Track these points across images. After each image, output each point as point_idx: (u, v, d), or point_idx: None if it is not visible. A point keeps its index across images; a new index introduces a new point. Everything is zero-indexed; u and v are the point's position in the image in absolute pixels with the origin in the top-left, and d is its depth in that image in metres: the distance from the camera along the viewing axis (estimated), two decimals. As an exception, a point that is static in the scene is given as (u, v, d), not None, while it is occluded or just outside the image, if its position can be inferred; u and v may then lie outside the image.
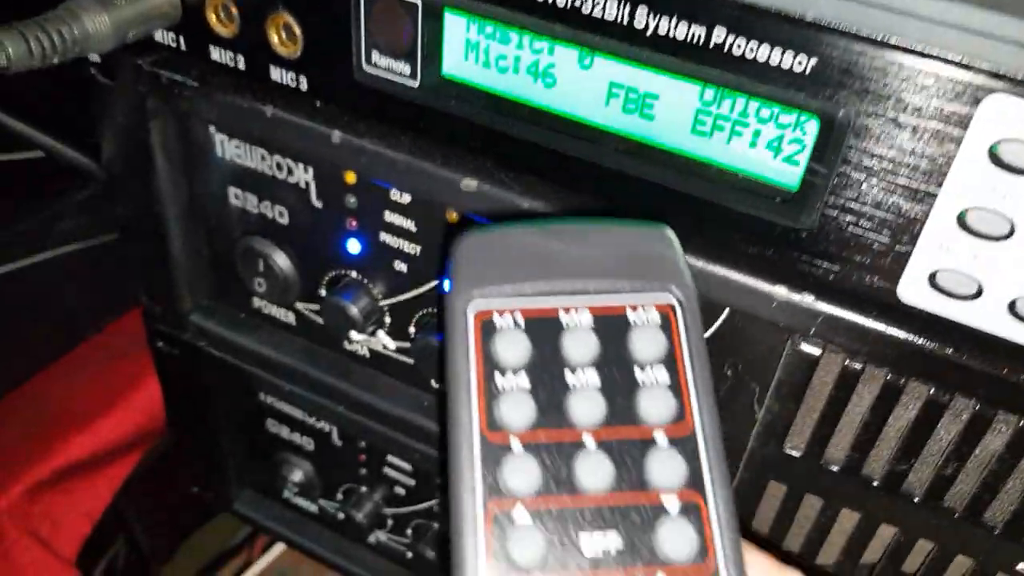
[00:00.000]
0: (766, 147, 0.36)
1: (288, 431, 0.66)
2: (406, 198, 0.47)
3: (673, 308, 0.32)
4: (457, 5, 0.39)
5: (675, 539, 0.29)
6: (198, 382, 0.64)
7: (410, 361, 0.54)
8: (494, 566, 0.28)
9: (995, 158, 0.32)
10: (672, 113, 0.37)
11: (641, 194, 0.39)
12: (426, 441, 0.56)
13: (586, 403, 0.31)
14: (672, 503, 0.29)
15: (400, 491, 0.64)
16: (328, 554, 0.71)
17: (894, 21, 0.31)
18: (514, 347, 0.31)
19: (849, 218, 0.35)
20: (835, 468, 0.42)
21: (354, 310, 0.51)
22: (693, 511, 0.29)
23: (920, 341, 0.37)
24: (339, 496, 0.67)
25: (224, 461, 0.70)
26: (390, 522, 0.66)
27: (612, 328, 0.32)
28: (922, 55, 0.31)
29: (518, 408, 0.30)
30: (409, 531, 0.66)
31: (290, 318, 0.57)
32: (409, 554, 0.67)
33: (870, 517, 0.43)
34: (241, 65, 0.45)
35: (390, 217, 0.48)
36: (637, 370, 0.31)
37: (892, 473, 0.41)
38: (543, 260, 0.33)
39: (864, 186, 0.34)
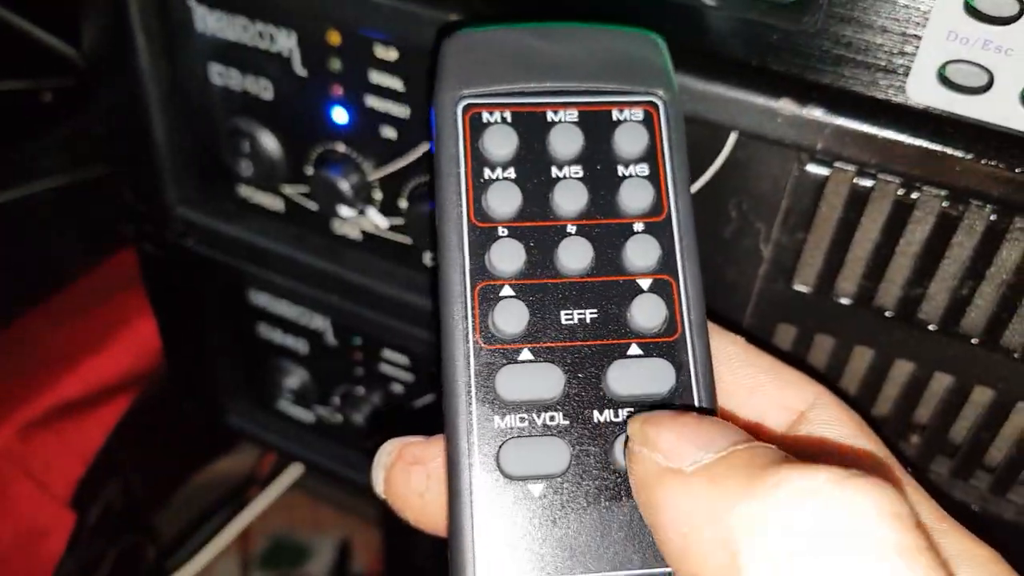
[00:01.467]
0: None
1: (281, 334, 0.65)
2: (392, 54, 0.46)
3: (656, 108, 0.34)
4: None
5: (647, 312, 0.31)
6: (186, 286, 0.63)
7: (403, 240, 0.53)
8: (481, 336, 0.31)
9: (1003, -69, 0.31)
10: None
11: (638, 4, 0.38)
12: (423, 326, 0.55)
13: (570, 194, 0.33)
14: (645, 283, 0.32)
15: (398, 388, 0.63)
16: (327, 462, 0.70)
17: None
18: (502, 142, 0.33)
19: (854, 13, 0.34)
20: (846, 301, 0.41)
21: (344, 184, 0.50)
22: (664, 289, 0.32)
23: (931, 144, 0.36)
24: (335, 401, 0.66)
25: (216, 372, 0.69)
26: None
27: (597, 125, 0.34)
28: None
29: (505, 198, 0.32)
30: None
31: (278, 204, 0.56)
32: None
33: (885, 353, 0.42)
34: (217, -83, 0.44)
35: (376, 78, 0.47)
36: (619, 165, 0.33)
37: (906, 300, 0.40)
38: (532, 60, 0.34)
39: (867, -22, 0.33)
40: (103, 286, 0.93)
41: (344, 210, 0.52)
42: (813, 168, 0.39)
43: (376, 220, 0.53)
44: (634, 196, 0.33)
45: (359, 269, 0.55)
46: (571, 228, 0.32)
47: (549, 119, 0.33)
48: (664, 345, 0.31)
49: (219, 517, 1.12)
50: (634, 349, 0.31)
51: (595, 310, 0.32)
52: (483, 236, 0.32)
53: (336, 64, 0.47)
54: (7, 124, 0.86)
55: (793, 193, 0.40)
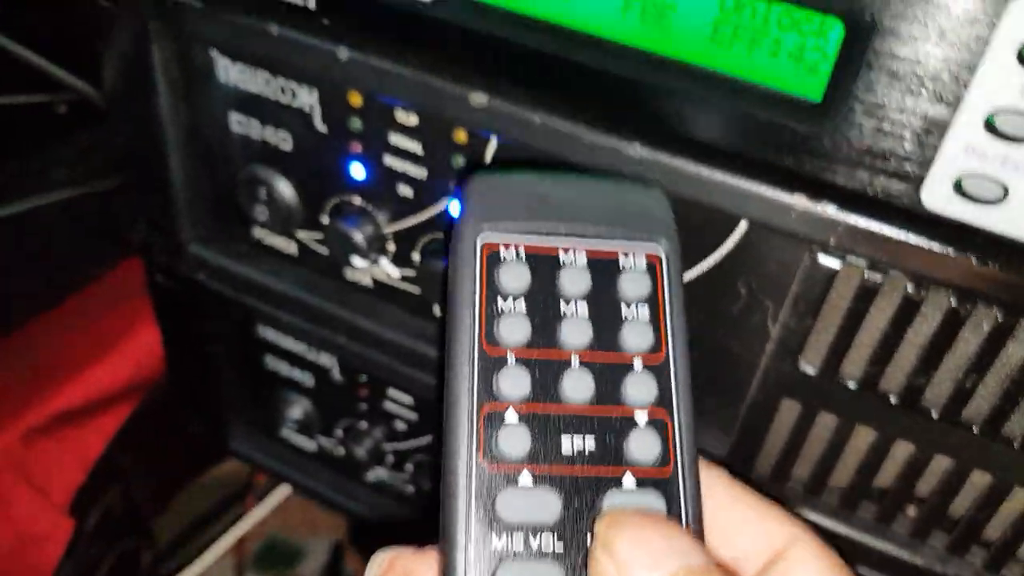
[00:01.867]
0: (788, 56, 0.36)
1: (287, 366, 0.66)
2: (413, 119, 0.46)
3: (659, 258, 0.36)
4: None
5: (642, 446, 0.33)
6: (196, 317, 0.64)
7: (414, 290, 0.54)
8: (484, 457, 0.32)
9: None
10: (690, 22, 0.37)
11: (659, 105, 0.39)
12: (428, 371, 0.56)
13: (575, 329, 0.34)
14: (642, 417, 0.34)
15: (401, 426, 0.64)
16: (327, 492, 0.71)
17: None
18: (516, 276, 0.35)
19: (872, 123, 0.35)
20: (851, 384, 0.42)
21: (358, 236, 0.51)
22: (660, 425, 0.34)
23: (942, 248, 0.36)
24: (338, 432, 0.67)
25: (221, 399, 0.70)
26: (390, 458, 0.66)
27: (604, 269, 0.36)
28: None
29: (515, 327, 0.34)
30: (410, 466, 0.66)
31: (292, 248, 0.57)
32: (410, 488, 0.67)
33: (886, 434, 0.43)
34: (245, -19, 0.44)
35: (396, 139, 0.47)
36: (623, 306, 0.35)
37: (910, 388, 0.41)
38: (547, 204, 0.37)
39: (888, 90, 0.34)
40: (109, 294, 0.93)
41: (357, 260, 0.52)
42: (825, 260, 0.39)
43: (388, 270, 0.53)
44: (635, 336, 0.35)
45: (369, 315, 0.56)
46: (575, 360, 0.34)
47: (560, 259, 0.36)
48: (658, 478, 0.33)
49: (216, 522, 1.13)
50: (628, 480, 0.33)
51: (594, 440, 0.33)
52: (492, 362, 0.34)
53: (356, 123, 0.48)
54: (21, 135, 0.86)
55: (803, 281, 0.40)
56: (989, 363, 0.39)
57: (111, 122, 0.54)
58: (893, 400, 0.42)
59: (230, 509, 1.14)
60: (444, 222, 0.49)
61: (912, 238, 0.37)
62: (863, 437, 0.44)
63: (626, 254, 0.36)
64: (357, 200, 0.51)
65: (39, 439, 0.84)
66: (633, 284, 0.36)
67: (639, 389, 0.34)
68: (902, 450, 0.44)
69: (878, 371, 0.41)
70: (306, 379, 0.65)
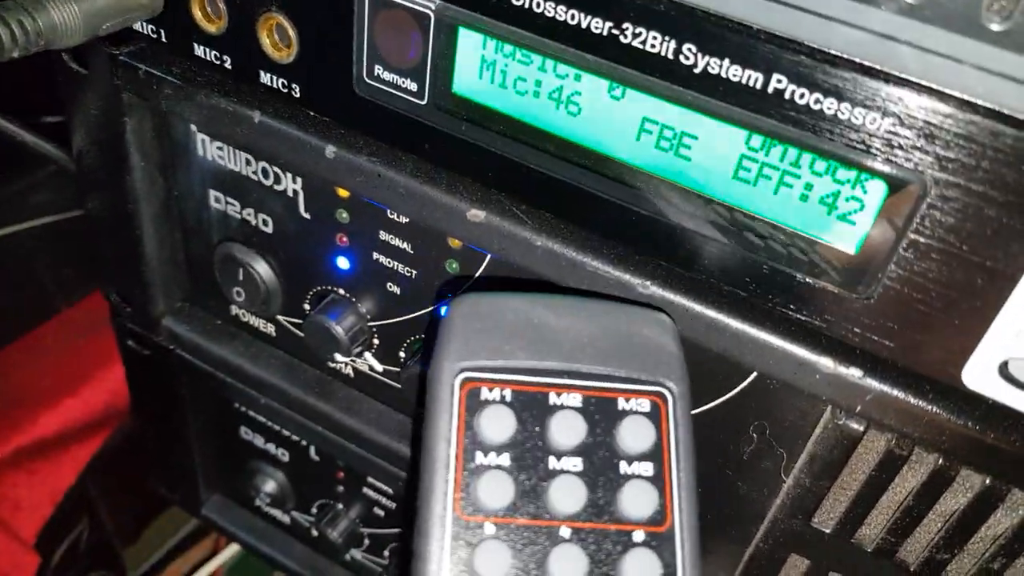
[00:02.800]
0: (819, 202, 0.32)
1: (262, 441, 0.62)
2: (405, 218, 0.42)
3: (665, 399, 0.32)
4: (475, 23, 0.34)
5: None
6: (169, 385, 0.60)
7: (396, 385, 0.50)
8: None
9: (1093, 247, 0.27)
10: (712, 155, 0.33)
11: (672, 243, 0.35)
12: (407, 468, 0.52)
13: (567, 492, 0.30)
14: None
15: (379, 512, 0.60)
16: (299, 568, 0.67)
17: (991, 84, 0.26)
18: (499, 424, 0.30)
19: (914, 293, 0.31)
20: (867, 548, 0.38)
21: (339, 330, 0.47)
22: None
23: (980, 430, 0.33)
24: (313, 510, 0.63)
25: (193, 465, 0.66)
26: (367, 541, 0.62)
27: (601, 414, 0.31)
28: (1019, 124, 0.27)
29: (495, 490, 0.29)
30: (387, 552, 0.62)
31: (270, 329, 0.53)
32: (386, 576, 0.63)
33: (901, 604, 0.39)
34: (228, 65, 0.40)
35: (385, 236, 0.43)
36: (622, 462, 0.31)
37: (930, 561, 0.37)
38: (538, 337, 0.32)
39: (934, 260, 0.30)
40: (85, 321, 0.91)
41: (338, 356, 0.48)
42: (849, 423, 0.36)
43: (372, 363, 0.50)
44: (636, 501, 0.30)
45: (349, 409, 0.52)
46: (565, 531, 0.29)
47: (551, 402, 0.31)
48: None
49: (189, 553, 1.10)
50: None
51: None
52: (468, 533, 0.29)
53: (343, 215, 0.44)
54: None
55: (823, 441, 0.37)
56: (1021, 549, 0.35)
57: (80, 187, 0.50)
58: (912, 570, 0.38)
59: (205, 538, 1.11)
60: (433, 324, 0.46)
61: (948, 415, 0.33)
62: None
63: (627, 396, 0.31)
64: (341, 291, 0.47)
65: (8, 472, 0.82)
66: (635, 434, 0.31)
67: (640, 567, 0.29)
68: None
69: (898, 541, 0.38)
70: (281, 455, 0.61)
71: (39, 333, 0.88)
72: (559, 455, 0.30)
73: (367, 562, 0.64)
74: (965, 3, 0.26)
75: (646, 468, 0.31)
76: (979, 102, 0.27)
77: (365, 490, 0.59)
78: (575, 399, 0.31)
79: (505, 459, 0.30)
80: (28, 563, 0.82)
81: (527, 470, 0.30)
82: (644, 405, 0.31)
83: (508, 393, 0.31)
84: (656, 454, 0.31)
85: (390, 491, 0.57)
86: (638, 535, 0.30)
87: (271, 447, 0.61)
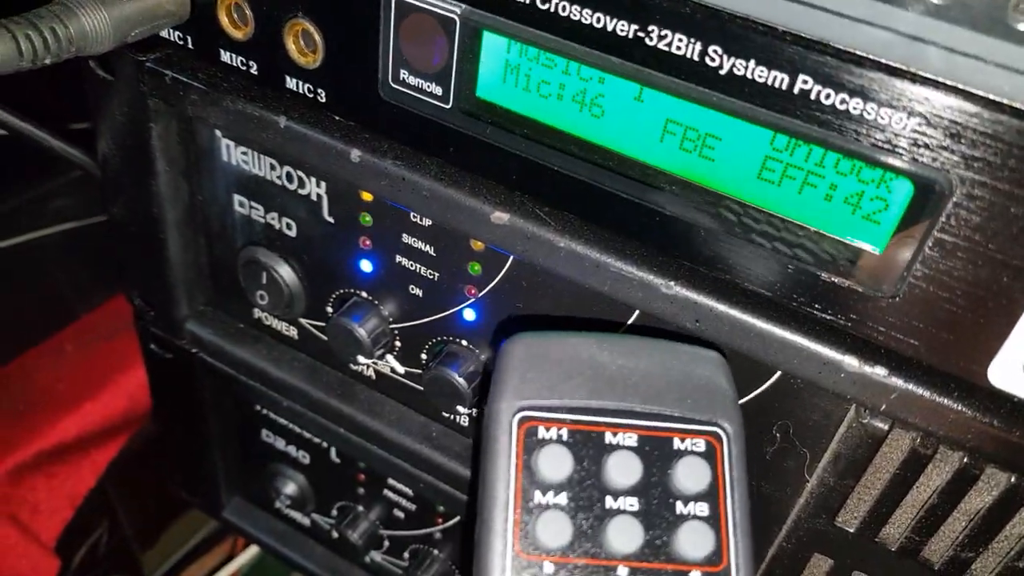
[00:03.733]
0: (844, 202, 0.32)
1: (284, 443, 0.62)
2: (427, 221, 0.43)
3: (720, 439, 0.32)
4: (500, 28, 0.34)
5: None
6: (191, 388, 0.60)
7: (419, 387, 0.50)
8: None
9: (1118, 243, 0.27)
10: (736, 156, 0.33)
11: (697, 244, 0.35)
12: (431, 471, 0.52)
13: (624, 532, 0.30)
14: None
15: (399, 514, 0.60)
16: (319, 571, 0.67)
17: (1017, 83, 0.27)
18: (557, 464, 0.31)
19: (940, 292, 0.31)
20: (891, 547, 0.38)
21: (362, 332, 0.47)
22: None
23: (1006, 428, 0.33)
24: (334, 512, 0.64)
25: (214, 468, 0.66)
26: (386, 543, 0.63)
27: (657, 454, 0.31)
28: (1047, 123, 0.27)
29: (554, 529, 0.30)
30: (406, 555, 0.62)
31: (292, 332, 0.53)
32: (407, 579, 0.63)
33: (926, 603, 0.39)
34: (254, 70, 0.41)
35: (408, 240, 0.44)
36: (679, 503, 0.31)
37: (955, 560, 0.37)
38: (593, 374, 0.32)
39: (960, 258, 0.30)
40: (103, 327, 0.92)
41: (360, 359, 0.49)
42: (873, 422, 0.36)
43: (394, 365, 0.50)
44: (693, 541, 0.30)
45: (370, 411, 0.52)
46: (622, 571, 0.30)
47: (607, 441, 0.31)
48: None
49: (207, 557, 1.10)
50: None
51: None
52: (527, 571, 0.29)
53: (367, 219, 0.44)
54: (22, 166, 0.84)
55: (847, 440, 0.37)
56: (1049, 547, 0.35)
57: (104, 192, 0.51)
58: (937, 568, 0.38)
59: (223, 542, 1.11)
60: (455, 326, 0.46)
61: (973, 413, 0.33)
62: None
63: (682, 436, 0.32)
64: (364, 294, 0.48)
65: (29, 476, 0.82)
66: (691, 474, 0.31)
67: None
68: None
69: (922, 540, 0.38)
70: (302, 457, 0.62)
71: (58, 338, 0.88)
72: (616, 495, 0.31)
73: (386, 564, 0.64)
74: (991, 3, 0.26)
75: (702, 508, 0.31)
76: (1005, 101, 0.27)
77: (385, 492, 0.59)
78: (631, 439, 0.32)
79: (563, 498, 0.30)
80: (49, 566, 0.83)
81: (584, 509, 0.30)
82: (700, 445, 0.32)
83: (565, 432, 0.31)
84: (712, 494, 0.31)
85: (410, 493, 0.58)
86: (694, 575, 0.30)
87: (292, 449, 0.62)
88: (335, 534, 0.64)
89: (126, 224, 0.51)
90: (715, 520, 0.31)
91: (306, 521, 0.66)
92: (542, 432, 0.31)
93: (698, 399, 0.32)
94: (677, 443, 0.32)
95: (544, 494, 0.30)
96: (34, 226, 0.85)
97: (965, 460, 0.35)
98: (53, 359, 0.87)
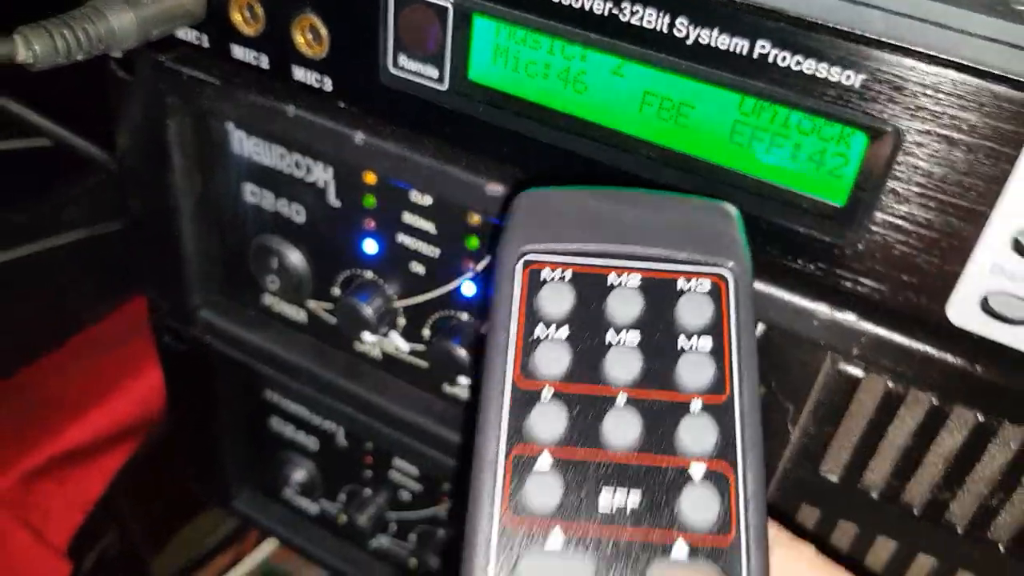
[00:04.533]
0: (808, 159, 0.35)
1: (292, 430, 0.65)
2: (427, 200, 0.46)
3: (725, 280, 0.32)
4: (488, 12, 0.37)
5: (698, 507, 0.28)
6: (203, 378, 0.63)
7: (423, 364, 0.53)
8: (509, 507, 0.28)
9: (1053, 181, 0.31)
10: (709, 122, 0.36)
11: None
12: (436, 446, 0.55)
13: (623, 362, 0.30)
14: (699, 470, 0.29)
15: (405, 495, 0.63)
16: (327, 556, 0.70)
17: (949, 38, 0.30)
18: (558, 300, 0.31)
19: (897, 236, 0.34)
20: (873, 494, 0.41)
21: (368, 311, 0.50)
22: (721, 481, 0.29)
23: (969, 365, 0.36)
24: (341, 497, 0.66)
25: (224, 458, 0.69)
26: (393, 526, 0.65)
27: (660, 293, 0.32)
28: (978, 73, 0.30)
29: (553, 358, 0.30)
30: (413, 536, 0.65)
31: (301, 316, 0.56)
32: (412, 560, 0.66)
33: (908, 546, 0.42)
34: (264, 64, 0.44)
35: (409, 219, 0.47)
36: (681, 336, 0.31)
37: (934, 502, 0.40)
38: (599, 223, 0.33)
39: (914, 204, 0.33)
40: (112, 334, 0.94)
41: (367, 335, 0.52)
42: (847, 368, 0.39)
43: (398, 343, 0.53)
44: (694, 371, 0.30)
45: (377, 387, 0.55)
46: (621, 399, 0.30)
47: (610, 282, 0.32)
48: (715, 548, 0.28)
49: (215, 562, 1.12)
50: (679, 547, 0.28)
51: (639, 496, 0.28)
52: (526, 398, 0.30)
53: (371, 200, 0.48)
54: (33, 177, 0.86)
55: (824, 388, 0.40)
56: (1016, 482, 0.38)
57: (122, 187, 0.54)
58: (916, 512, 0.41)
59: (228, 548, 1.13)
60: (455, 300, 0.49)
61: (937, 352, 0.36)
62: (884, 548, 0.43)
63: (687, 276, 0.32)
64: (369, 274, 0.51)
65: (40, 481, 0.84)
66: (693, 310, 0.31)
67: (696, 435, 0.29)
68: (924, 564, 0.43)
69: (900, 483, 0.40)
70: (311, 443, 0.65)
71: (68, 347, 0.90)
72: (617, 329, 0.31)
73: (394, 547, 0.66)
74: (925, -32, 0.29)
75: (705, 343, 0.31)
76: (939, 55, 0.30)
77: (391, 473, 0.62)
78: (635, 279, 0.32)
79: (563, 332, 0.31)
80: (60, 570, 0.84)
81: (584, 341, 0.30)
82: (704, 285, 0.32)
83: (568, 273, 0.32)
84: (715, 330, 0.31)
85: (415, 472, 0.60)
86: (695, 404, 0.30)
87: (301, 436, 0.65)
88: (343, 519, 0.67)
89: (143, 217, 0.54)
90: (719, 354, 0.30)
91: (315, 508, 0.69)
92: (546, 273, 0.32)
93: (705, 243, 0.32)
94: (682, 283, 0.32)
95: (546, 327, 0.31)
96: (44, 237, 0.87)
97: (934, 401, 0.38)
98: (63, 368, 0.89)
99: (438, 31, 0.39)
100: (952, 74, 0.30)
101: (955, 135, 0.31)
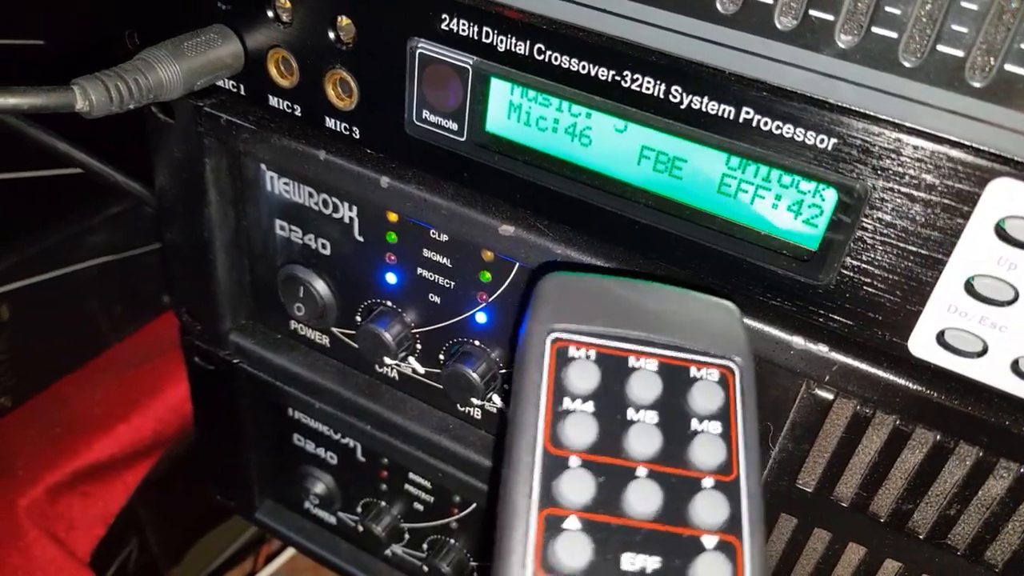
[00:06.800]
0: (787, 209, 0.39)
1: (313, 446, 0.69)
2: (444, 237, 0.50)
3: (732, 372, 0.36)
4: (505, 74, 0.42)
5: (711, 572, 0.31)
6: (230, 397, 0.67)
7: (438, 385, 0.57)
8: (542, 565, 0.31)
9: (1001, 233, 0.35)
10: (699, 174, 0.41)
11: (669, 248, 0.43)
12: (449, 460, 0.59)
13: (644, 438, 0.33)
14: (711, 541, 0.32)
15: (419, 507, 0.67)
16: (344, 565, 0.73)
17: (910, 109, 0.34)
18: (585, 376, 0.34)
19: (864, 278, 0.38)
20: (844, 504, 0.45)
21: (388, 337, 0.54)
22: (729, 550, 0.32)
23: (928, 392, 0.40)
24: (358, 509, 0.70)
25: (249, 472, 0.73)
26: (407, 536, 0.69)
27: (675, 378, 0.35)
28: (936, 139, 0.34)
29: (581, 429, 0.33)
30: (425, 546, 0.69)
31: (325, 340, 0.60)
32: (425, 568, 0.70)
33: (876, 552, 0.46)
34: (298, 112, 0.49)
35: (428, 254, 0.51)
36: (694, 419, 0.34)
37: (898, 511, 0.44)
38: (621, 310, 0.37)
39: (879, 251, 0.38)
40: (135, 353, 0.97)
41: (387, 360, 0.56)
42: (820, 392, 0.43)
43: (415, 366, 0.57)
44: (707, 452, 0.33)
45: (394, 407, 0.59)
46: (642, 471, 0.33)
47: (631, 364, 0.35)
48: None
49: (231, 573, 1.15)
50: None
51: (658, 560, 0.31)
52: (555, 463, 0.32)
53: (392, 237, 0.52)
54: (61, 201, 0.90)
55: (800, 410, 0.44)
56: (971, 495, 0.42)
57: (160, 220, 0.58)
58: (882, 521, 0.45)
59: (244, 560, 1.16)
60: (469, 328, 0.53)
61: (900, 380, 0.40)
62: (855, 553, 0.47)
63: (699, 365, 0.36)
64: (389, 303, 0.55)
65: (64, 494, 0.87)
66: (705, 397, 0.35)
67: (709, 509, 0.32)
68: (891, 568, 0.47)
69: (868, 495, 0.45)
70: (331, 458, 0.69)
71: (93, 365, 0.94)
72: (637, 407, 0.34)
73: (407, 556, 0.70)
74: (885, 47, 0.33)
75: (715, 426, 0.34)
76: (902, 123, 0.35)
77: (407, 487, 0.66)
78: (652, 364, 0.35)
79: (589, 406, 0.34)
80: (84, 580, 0.88)
81: (608, 416, 0.34)
82: (714, 375, 0.36)
83: (593, 353, 0.35)
84: (724, 415, 0.35)
85: (429, 485, 0.65)
86: (707, 481, 0.33)
87: (321, 451, 0.69)
88: (360, 529, 0.71)
89: (179, 248, 0.59)
90: (727, 437, 0.34)
91: (332, 519, 0.73)
92: (572, 351, 0.35)
93: (713, 338, 0.36)
94: (694, 371, 0.35)
95: (572, 401, 0.34)
96: (71, 260, 0.90)
97: (898, 422, 0.42)
98: (87, 385, 0.92)
99: (459, 89, 0.43)
100: (914, 140, 0.35)
101: (916, 192, 0.36)
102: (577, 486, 0.32)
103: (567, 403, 0.34)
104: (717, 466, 0.33)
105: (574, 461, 0.33)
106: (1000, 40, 0.32)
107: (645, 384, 0.35)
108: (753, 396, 0.36)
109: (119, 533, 0.91)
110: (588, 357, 0.35)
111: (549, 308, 0.36)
